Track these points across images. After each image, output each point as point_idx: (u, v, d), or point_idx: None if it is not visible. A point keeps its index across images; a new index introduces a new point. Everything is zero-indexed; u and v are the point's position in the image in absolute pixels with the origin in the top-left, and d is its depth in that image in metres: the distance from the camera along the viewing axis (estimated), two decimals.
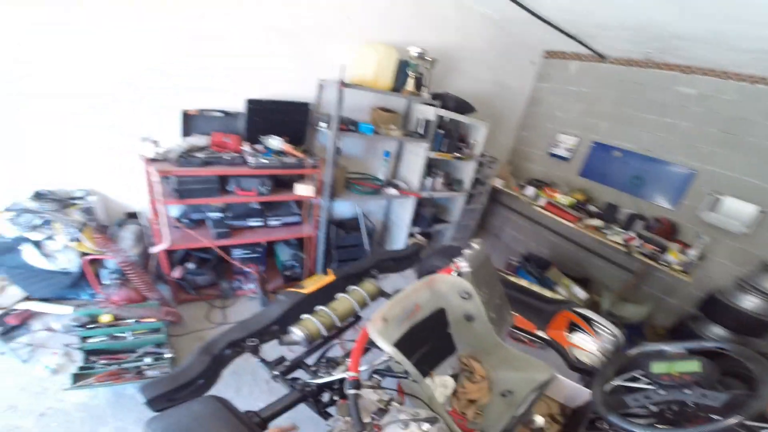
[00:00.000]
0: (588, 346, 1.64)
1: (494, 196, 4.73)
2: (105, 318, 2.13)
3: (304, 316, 1.37)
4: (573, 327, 1.69)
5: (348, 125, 2.76)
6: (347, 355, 1.44)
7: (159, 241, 2.44)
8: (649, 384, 1.25)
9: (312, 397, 1.26)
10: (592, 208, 3.91)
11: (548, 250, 4.46)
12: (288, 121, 2.78)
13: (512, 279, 1.85)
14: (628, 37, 3.16)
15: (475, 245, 1.48)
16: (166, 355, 2.12)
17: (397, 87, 2.90)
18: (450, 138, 3.37)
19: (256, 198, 2.64)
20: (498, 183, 4.30)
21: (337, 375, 1.22)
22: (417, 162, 3.32)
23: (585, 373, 1.62)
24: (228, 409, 0.99)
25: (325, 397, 1.32)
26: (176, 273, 2.63)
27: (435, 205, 4.00)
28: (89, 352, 2.05)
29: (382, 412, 1.05)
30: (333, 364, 1.39)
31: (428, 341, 1.38)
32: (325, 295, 1.48)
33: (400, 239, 3.75)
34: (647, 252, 3.29)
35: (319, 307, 1.43)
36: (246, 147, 2.55)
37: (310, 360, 1.47)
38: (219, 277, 2.88)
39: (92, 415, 1.85)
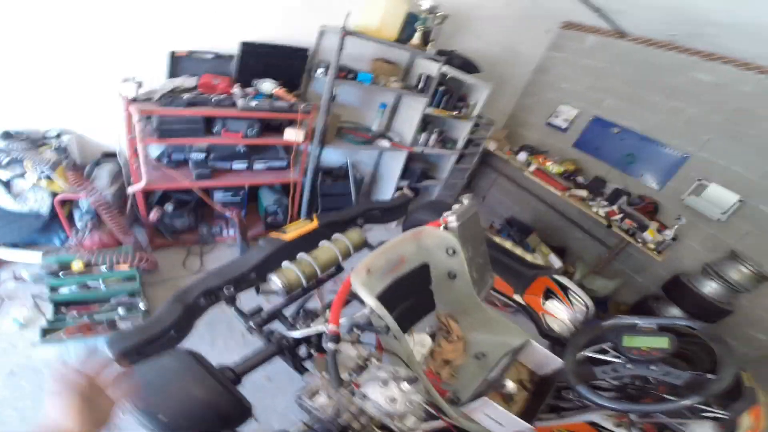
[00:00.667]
0: (561, 314, 1.67)
1: (485, 159, 4.73)
2: (76, 265, 2.02)
3: (285, 264, 1.30)
4: (548, 294, 1.70)
5: (347, 73, 2.62)
6: (326, 307, 1.41)
7: (136, 180, 2.32)
8: (617, 357, 1.26)
9: (288, 350, 1.24)
10: (581, 179, 3.92)
11: (531, 217, 4.52)
12: (284, 66, 2.63)
13: (496, 240, 1.83)
14: (660, 17, 3.01)
15: (465, 200, 1.43)
16: (139, 305, 2.03)
17: (403, 39, 2.78)
18: (450, 96, 3.29)
19: (243, 141, 2.53)
20: (491, 146, 4.28)
21: (315, 328, 1.17)
22: (413, 116, 3.23)
23: (555, 341, 1.65)
24: (200, 364, 0.94)
25: (302, 350, 1.29)
26: (153, 215, 2.51)
27: (426, 161, 3.97)
28: (59, 304, 1.96)
29: (361, 368, 1.04)
30: (312, 316, 1.36)
31: (409, 297, 1.36)
32: (307, 243, 1.40)
33: (387, 192, 3.73)
34: (626, 227, 3.33)
35: (300, 255, 1.35)
36: (236, 89, 2.41)
37: (288, 311, 1.43)
38: (198, 222, 2.80)
39: None
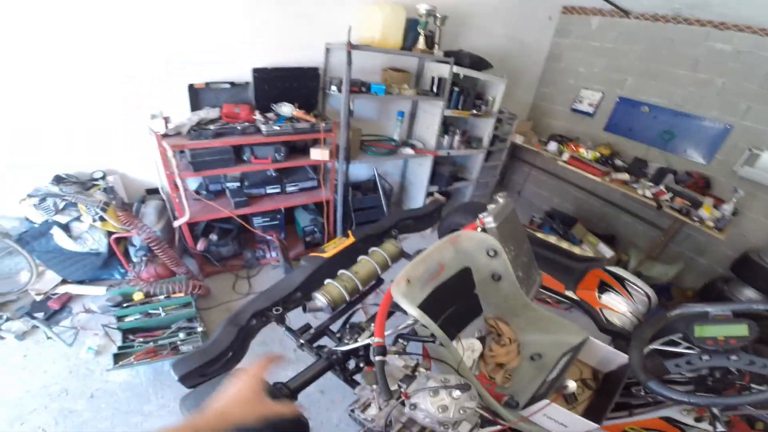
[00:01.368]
0: (620, 307, 1.55)
1: (514, 153, 4.66)
2: (137, 296, 2.18)
3: (327, 281, 1.32)
4: (603, 287, 1.59)
5: (359, 87, 2.65)
6: (371, 319, 1.39)
7: (180, 214, 2.44)
8: (689, 348, 1.17)
9: (338, 364, 1.22)
10: (619, 163, 3.72)
11: (572, 206, 4.35)
12: (298, 87, 2.69)
13: (539, 235, 1.72)
14: None
15: (500, 199, 1.37)
16: (198, 329, 2.16)
17: (408, 46, 2.80)
18: (466, 95, 3.24)
19: (272, 165, 2.60)
20: (518, 139, 4.15)
21: (362, 341, 1.16)
22: (432, 120, 3.21)
23: (616, 335, 1.54)
24: None
25: (351, 364, 1.28)
26: (200, 245, 2.64)
27: (453, 164, 3.91)
28: (126, 331, 2.11)
29: (409, 378, 1.01)
30: (357, 329, 1.34)
31: (454, 303, 1.31)
32: (346, 259, 1.42)
33: (418, 199, 3.69)
34: (678, 207, 3.09)
35: (341, 272, 1.37)
36: (258, 116, 2.50)
37: (335, 326, 1.43)
38: (242, 247, 2.90)
39: (136, 394, 1.92)
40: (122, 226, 2.24)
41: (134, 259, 2.48)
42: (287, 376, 1.11)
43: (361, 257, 1.45)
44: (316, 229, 3.01)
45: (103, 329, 2.15)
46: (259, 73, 2.50)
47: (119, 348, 2.00)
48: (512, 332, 1.38)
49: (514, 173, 4.96)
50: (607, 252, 3.57)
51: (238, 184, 2.70)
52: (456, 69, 2.96)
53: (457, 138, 3.44)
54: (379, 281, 1.52)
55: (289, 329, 1.29)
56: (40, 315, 2.21)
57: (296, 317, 1.33)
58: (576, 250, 1.65)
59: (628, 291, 1.56)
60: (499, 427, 1.04)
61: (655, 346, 1.25)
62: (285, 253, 2.66)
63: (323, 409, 1.99)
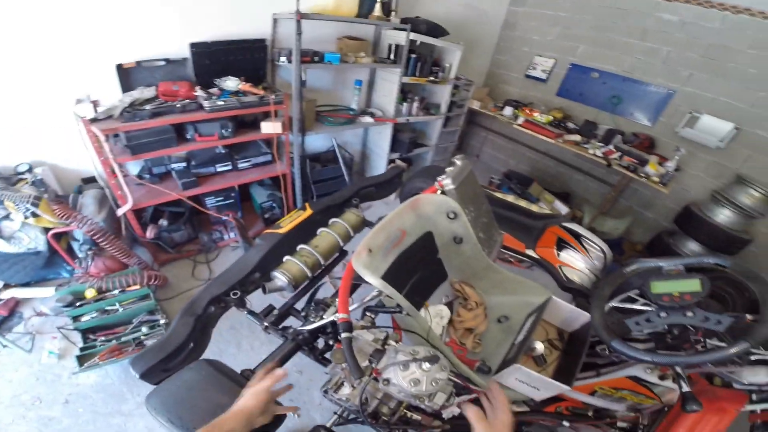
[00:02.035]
0: (578, 264, 1.56)
1: (472, 118, 4.72)
2: (89, 293, 2.02)
3: (286, 258, 1.23)
4: (561, 244, 1.59)
5: (311, 57, 2.48)
6: (336, 295, 1.34)
7: (123, 201, 2.22)
8: (646, 305, 1.15)
9: (306, 344, 1.16)
10: (571, 125, 3.84)
11: (528, 167, 4.50)
12: (243, 60, 2.48)
13: (498, 195, 1.70)
14: None
15: (458, 161, 1.32)
16: (160, 322, 2.05)
17: (363, 13, 2.67)
18: (423, 62, 3.18)
19: (219, 142, 2.41)
20: (475, 105, 4.18)
21: (327, 318, 1.11)
22: (391, 88, 3.12)
23: (577, 293, 1.54)
24: (221, 372, 0.93)
25: (321, 342, 1.23)
26: (150, 233, 2.45)
27: (413, 130, 3.86)
28: (85, 331, 1.97)
29: (379, 353, 0.96)
30: (323, 306, 1.28)
31: (418, 269, 1.27)
32: (305, 233, 1.33)
33: (380, 167, 3.66)
34: (626, 164, 3.25)
35: (300, 247, 1.28)
36: (199, 92, 2.29)
37: (301, 305, 1.36)
38: (197, 231, 2.72)
39: (111, 394, 1.83)
40: (59, 221, 2.01)
41: (79, 255, 2.25)
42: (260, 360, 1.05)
43: (321, 230, 1.36)
44: (274, 205, 2.88)
45: (59, 332, 2.01)
46: (197, 47, 2.28)
47: (81, 349, 1.90)
48: (478, 295, 1.36)
49: (472, 138, 5.05)
50: (563, 209, 3.75)
51: (184, 164, 2.49)
52: (413, 36, 2.88)
53: (415, 105, 3.39)
54: (343, 253, 1.45)
55: (251, 312, 1.20)
56: None
57: (261, 299, 1.25)
58: (534, 208, 1.65)
59: (584, 247, 1.57)
60: (474, 395, 1.02)
61: (614, 303, 1.24)
62: (243, 232, 2.51)
63: (303, 389, 1.95)
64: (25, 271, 2.18)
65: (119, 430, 1.71)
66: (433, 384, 0.87)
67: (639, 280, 1.15)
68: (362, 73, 3.15)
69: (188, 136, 2.31)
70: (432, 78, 3.29)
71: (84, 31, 2.06)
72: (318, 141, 3.28)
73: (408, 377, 0.87)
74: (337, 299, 1.16)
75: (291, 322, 1.29)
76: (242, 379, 0.94)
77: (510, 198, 1.68)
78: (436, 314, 1.29)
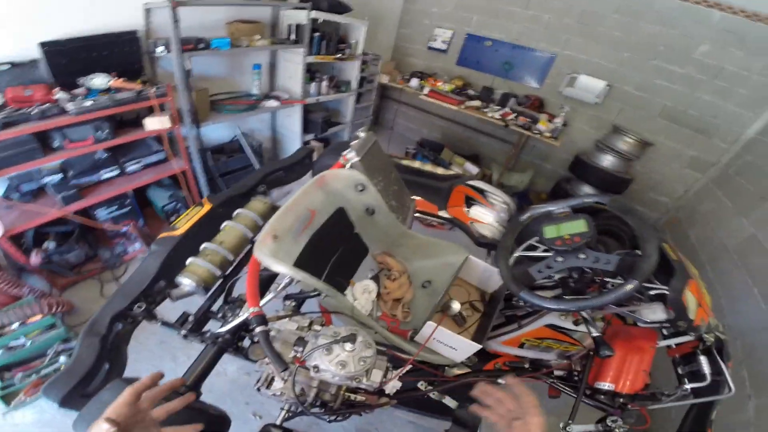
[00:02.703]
0: (486, 218, 1.58)
1: (384, 92, 4.80)
2: None
3: (189, 260, 1.09)
4: (469, 201, 1.61)
5: (195, 44, 2.21)
6: None
7: None
8: (546, 251, 1.13)
9: (229, 345, 1.07)
10: (471, 92, 4.05)
11: (439, 134, 4.69)
12: (112, 55, 2.15)
13: (404, 162, 1.68)
14: None
15: (361, 133, 1.27)
16: None
17: None
18: (328, 40, 3.05)
19: (97, 146, 2.07)
20: (384, 79, 4.19)
21: (243, 316, 1.01)
22: (295, 69, 2.95)
23: (490, 246, 1.56)
24: None
25: (247, 341, 1.13)
26: (34, 259, 2.05)
27: (326, 110, 3.76)
28: (1, 370, 1.79)
29: (301, 340, 0.91)
30: (239, 303, 1.18)
31: (337, 248, 1.22)
32: (208, 230, 1.19)
33: (293, 151, 3.44)
34: (521, 124, 3.53)
35: (204, 246, 1.14)
36: (60, 94, 1.92)
37: (218, 306, 1.23)
38: (95, 248, 2.36)
39: (55, 429, 1.69)
40: None
41: None
42: None
43: (225, 224, 1.23)
44: (179, 205, 2.60)
45: None
46: (50, 46, 1.92)
47: (2, 389, 1.73)
48: (399, 264, 1.35)
49: (386, 111, 5.11)
50: (474, 169, 3.98)
51: (60, 176, 2.10)
52: (315, 14, 2.72)
53: (324, 84, 3.26)
54: (254, 244, 1.33)
55: (165, 323, 1.08)
56: None
57: (178, 306, 1.12)
58: (439, 170, 1.67)
59: (490, 201, 1.60)
60: (410, 366, 1.00)
61: (520, 253, 1.22)
62: (148, 241, 2.23)
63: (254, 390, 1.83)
64: None
65: None
66: (362, 363, 0.84)
67: (537, 227, 1.13)
68: (261, 56, 2.91)
69: (56, 145, 1.95)
70: (339, 55, 3.19)
71: None
72: (218, 131, 2.98)
73: (334, 360, 0.83)
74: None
75: (212, 325, 1.17)
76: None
77: (416, 164, 1.68)
78: (363, 290, 1.26)
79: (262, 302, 0.90)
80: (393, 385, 0.95)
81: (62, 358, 1.84)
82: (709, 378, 1.05)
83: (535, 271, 1.05)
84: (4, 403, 1.71)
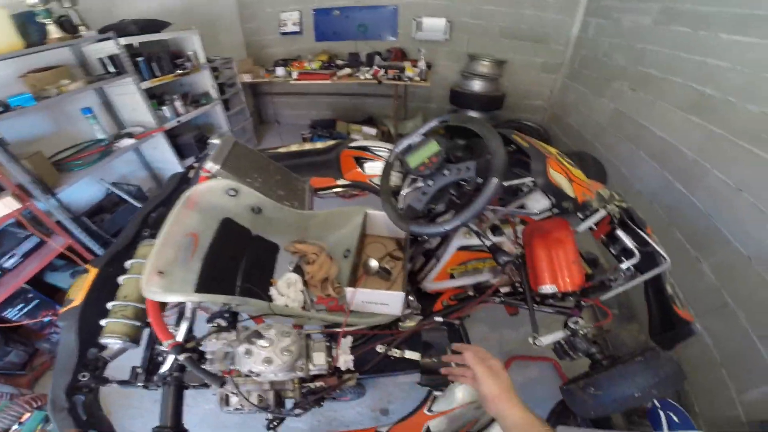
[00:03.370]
0: (378, 170, 1.56)
1: (255, 90, 4.62)
2: None
3: (103, 322, 1.01)
4: (360, 162, 1.62)
5: None
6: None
7: None
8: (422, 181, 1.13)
9: (182, 382, 1.01)
10: (339, 62, 4.04)
11: (328, 111, 4.68)
12: None
13: (281, 150, 1.64)
14: None
15: (215, 140, 1.21)
16: None
17: (34, 42, 2.05)
18: (158, 60, 2.75)
19: None
20: (246, 78, 3.95)
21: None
22: (134, 100, 2.63)
23: (396, 194, 1.53)
24: None
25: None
26: None
27: (196, 127, 3.42)
28: None
29: (228, 354, 0.91)
30: None
31: (241, 256, 1.18)
32: (107, 288, 1.10)
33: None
34: (391, 76, 3.65)
35: (110, 304, 1.05)
36: None
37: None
38: (31, 343, 2.09)
39: None
40: None
41: None
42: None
43: (121, 278, 1.12)
44: None
45: None
46: None
47: None
48: (311, 246, 1.34)
49: (265, 108, 4.94)
50: (371, 130, 4.07)
51: None
52: (125, 40, 2.42)
53: (178, 103, 2.97)
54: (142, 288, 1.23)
55: (122, 382, 1.03)
56: None
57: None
58: (319, 145, 1.66)
59: (377, 155, 1.61)
60: (350, 338, 1.03)
61: (407, 190, 1.22)
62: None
63: (244, 416, 1.75)
64: None
65: None
66: (286, 353, 0.84)
67: (405, 161, 1.11)
68: (85, 99, 2.50)
69: None
70: (179, 71, 2.91)
71: None
72: (85, 191, 2.58)
73: (259, 360, 0.82)
74: (176, 328, 1.01)
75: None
76: None
77: (293, 147, 1.65)
78: (287, 284, 1.24)
79: (181, 332, 0.90)
80: (345, 360, 0.97)
81: None
82: (636, 251, 1.05)
83: (416, 202, 1.06)
84: None
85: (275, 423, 1.04)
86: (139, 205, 2.60)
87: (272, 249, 1.33)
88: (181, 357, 0.82)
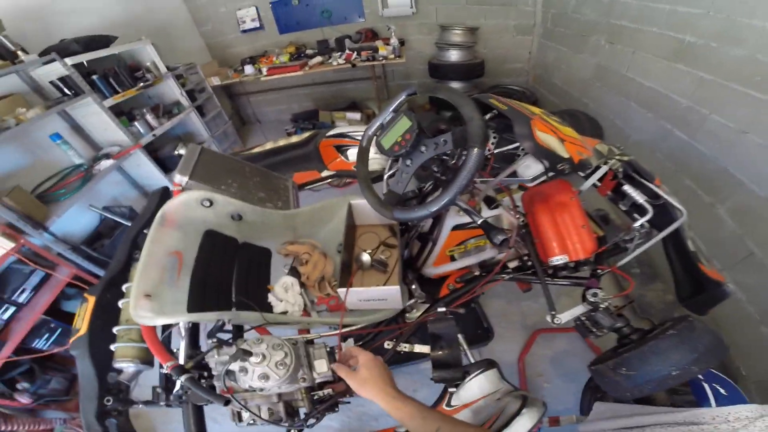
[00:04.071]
0: None
1: (229, 92, 4.48)
2: None
3: (113, 347, 1.01)
4: (341, 149, 1.55)
5: None
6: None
7: None
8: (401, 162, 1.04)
9: (198, 400, 1.00)
10: (309, 51, 3.91)
11: (309, 102, 4.55)
12: None
13: (256, 150, 1.57)
14: None
15: (180, 151, 1.15)
16: None
17: None
18: (115, 76, 2.66)
19: None
20: (215, 81, 3.81)
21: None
22: (101, 119, 2.53)
23: (377, 179, 1.46)
24: None
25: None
26: (23, 399, 1.87)
27: (177, 138, 3.35)
28: None
29: (229, 371, 0.85)
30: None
31: (231, 267, 1.14)
32: (110, 314, 1.08)
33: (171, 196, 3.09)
34: (365, 58, 3.51)
35: (116, 329, 1.05)
36: None
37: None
38: (67, 369, 2.16)
39: None
40: None
41: None
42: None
43: (121, 302, 1.10)
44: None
45: None
46: None
47: None
48: (303, 245, 1.29)
49: (243, 108, 4.81)
50: (356, 116, 3.97)
51: None
52: (71, 60, 2.32)
53: (149, 116, 2.87)
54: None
55: (147, 402, 1.03)
56: None
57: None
58: (293, 139, 1.58)
59: (356, 139, 1.53)
60: (350, 339, 0.99)
61: (389, 173, 1.14)
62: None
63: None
64: None
65: None
66: (281, 366, 0.81)
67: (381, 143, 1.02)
68: (51, 125, 2.39)
69: None
70: (142, 84, 2.81)
71: None
72: (79, 219, 2.51)
73: (256, 377, 0.79)
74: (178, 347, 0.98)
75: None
76: None
77: (268, 145, 1.58)
78: (284, 289, 1.21)
79: (181, 353, 0.90)
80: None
81: None
82: (648, 206, 0.94)
83: (396, 185, 0.96)
84: None
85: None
86: (131, 224, 2.55)
87: (265, 254, 1.29)
88: (182, 379, 0.80)
